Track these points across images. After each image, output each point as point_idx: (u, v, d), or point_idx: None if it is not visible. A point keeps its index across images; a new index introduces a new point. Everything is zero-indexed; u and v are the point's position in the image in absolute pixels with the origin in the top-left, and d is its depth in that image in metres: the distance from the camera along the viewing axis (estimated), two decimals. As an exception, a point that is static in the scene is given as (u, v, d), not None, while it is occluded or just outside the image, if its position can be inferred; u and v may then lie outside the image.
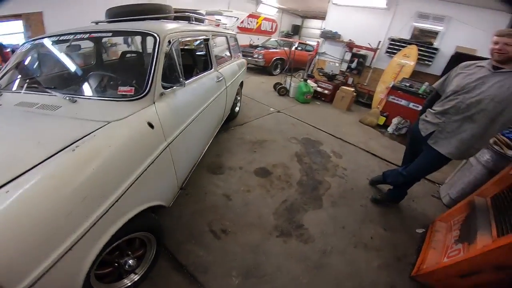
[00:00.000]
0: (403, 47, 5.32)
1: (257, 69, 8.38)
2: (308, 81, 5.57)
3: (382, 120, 4.59)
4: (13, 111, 1.46)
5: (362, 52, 6.12)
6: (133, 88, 1.54)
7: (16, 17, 5.74)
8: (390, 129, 4.39)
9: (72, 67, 1.98)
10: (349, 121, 4.81)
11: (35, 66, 2.09)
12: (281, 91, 5.94)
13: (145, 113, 1.44)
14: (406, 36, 5.57)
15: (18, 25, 5.84)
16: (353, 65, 6.09)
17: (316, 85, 5.75)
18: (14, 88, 1.75)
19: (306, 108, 5.23)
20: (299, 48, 8.64)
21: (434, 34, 5.29)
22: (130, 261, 1.37)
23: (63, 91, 1.54)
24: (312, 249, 1.96)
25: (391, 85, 4.62)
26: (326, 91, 5.72)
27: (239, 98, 4.13)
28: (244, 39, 9.31)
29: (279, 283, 1.68)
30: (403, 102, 4.46)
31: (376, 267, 1.89)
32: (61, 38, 1.94)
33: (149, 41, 1.74)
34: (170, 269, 1.68)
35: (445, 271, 1.67)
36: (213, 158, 2.94)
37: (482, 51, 4.41)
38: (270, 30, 11.93)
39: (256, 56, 7.56)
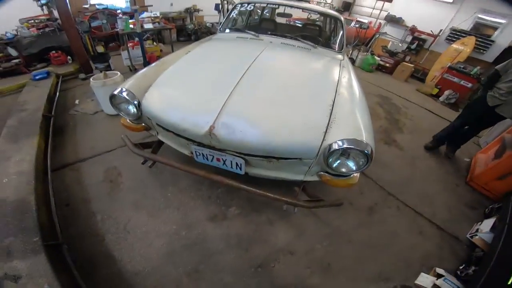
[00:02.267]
0: (463, 36, 6.25)
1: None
2: (373, 55, 6.68)
3: (435, 91, 5.75)
4: (284, 47, 2.58)
5: (423, 36, 7.07)
6: (337, 44, 2.80)
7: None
8: (441, 98, 5.56)
9: (286, 27, 3.44)
10: (408, 89, 6.02)
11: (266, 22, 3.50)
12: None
13: (346, 59, 2.68)
14: (467, 27, 6.45)
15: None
16: (413, 46, 7.08)
17: (379, 59, 6.83)
18: (264, 34, 2.78)
19: (371, 76, 6.45)
20: (356, 26, 9.46)
21: (493, 29, 6.16)
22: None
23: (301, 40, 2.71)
24: (405, 154, 3.26)
25: (448, 66, 5.68)
26: (387, 64, 6.87)
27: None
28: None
29: (392, 169, 2.92)
30: (455, 79, 5.53)
31: (445, 172, 3.11)
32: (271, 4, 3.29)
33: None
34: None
35: (488, 174, 2.75)
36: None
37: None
38: (324, 6, 12.53)
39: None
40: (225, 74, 1.87)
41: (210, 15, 8.04)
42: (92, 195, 2.14)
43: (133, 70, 4.39)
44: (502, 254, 1.77)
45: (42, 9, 5.19)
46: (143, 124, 1.90)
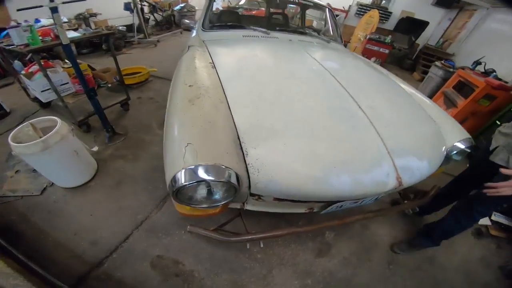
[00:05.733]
0: (368, 10, 7.44)
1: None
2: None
3: (364, 61, 6.75)
4: (307, 45, 2.37)
5: (337, 12, 7.99)
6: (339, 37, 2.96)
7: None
8: (371, 66, 6.62)
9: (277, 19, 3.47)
10: (344, 62, 6.77)
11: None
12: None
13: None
14: (369, 2, 7.72)
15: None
16: (331, 22, 7.98)
17: (308, 37, 7.39)
18: (273, 31, 2.48)
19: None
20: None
21: (388, 1, 7.57)
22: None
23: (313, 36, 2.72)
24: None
25: (367, 37, 6.73)
26: (319, 42, 7.48)
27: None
28: None
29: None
30: (375, 48, 6.68)
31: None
32: None
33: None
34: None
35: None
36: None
37: (417, 13, 6.91)
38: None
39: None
40: (329, 98, 1.50)
41: (115, 18, 6.66)
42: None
43: (63, 104, 2.64)
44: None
45: None
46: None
